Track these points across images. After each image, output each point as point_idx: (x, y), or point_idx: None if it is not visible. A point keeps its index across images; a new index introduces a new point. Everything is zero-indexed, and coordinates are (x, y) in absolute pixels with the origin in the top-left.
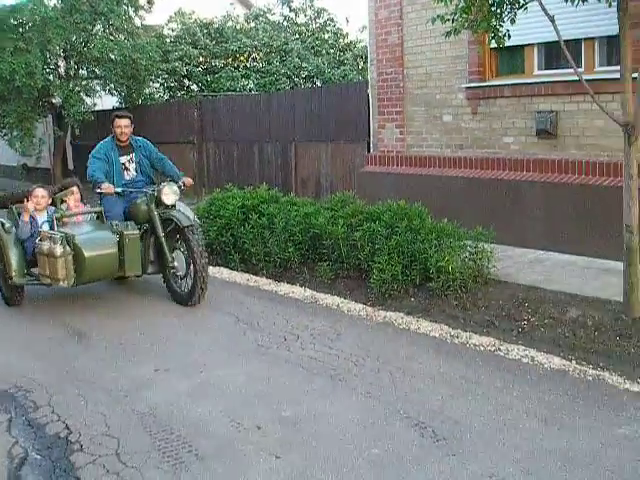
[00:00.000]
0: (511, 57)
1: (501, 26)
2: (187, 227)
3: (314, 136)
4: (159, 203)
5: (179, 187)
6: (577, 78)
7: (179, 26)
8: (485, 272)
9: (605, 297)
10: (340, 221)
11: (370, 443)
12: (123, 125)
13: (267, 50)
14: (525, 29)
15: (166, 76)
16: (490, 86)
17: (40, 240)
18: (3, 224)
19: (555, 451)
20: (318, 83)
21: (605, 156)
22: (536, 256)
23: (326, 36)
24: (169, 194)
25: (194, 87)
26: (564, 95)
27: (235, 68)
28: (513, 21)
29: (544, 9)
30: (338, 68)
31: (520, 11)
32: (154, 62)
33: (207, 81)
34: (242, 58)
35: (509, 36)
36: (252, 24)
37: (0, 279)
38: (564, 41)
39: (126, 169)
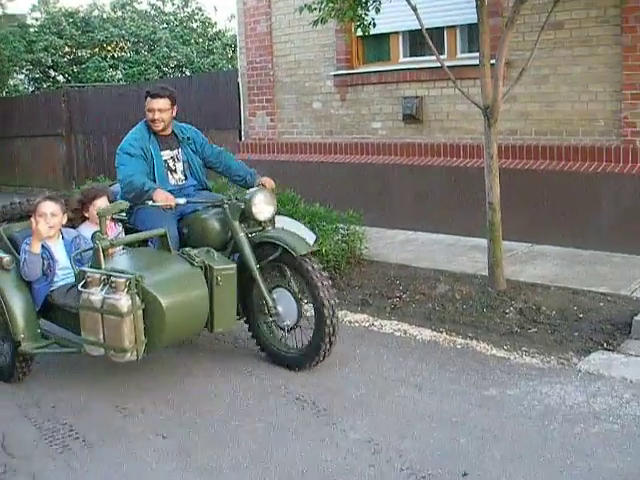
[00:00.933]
0: (377, 45)
1: (367, 15)
2: (303, 256)
3: None
4: (244, 218)
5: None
6: (440, 65)
7: (43, 15)
8: (358, 253)
9: (471, 272)
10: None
11: (253, 418)
12: (157, 108)
13: (135, 40)
14: (390, 18)
15: (31, 67)
16: (357, 73)
17: (84, 285)
18: (2, 257)
19: (428, 414)
20: (187, 72)
21: (468, 139)
22: (407, 236)
23: (195, 25)
24: (264, 205)
25: (60, 78)
26: (428, 81)
27: (102, 58)
28: (378, 10)
29: None
30: (207, 57)
31: (384, 0)
32: (18, 52)
33: (74, 72)
34: (109, 48)
35: (374, 24)
36: (119, 13)
37: None
38: (427, 29)
39: (170, 170)
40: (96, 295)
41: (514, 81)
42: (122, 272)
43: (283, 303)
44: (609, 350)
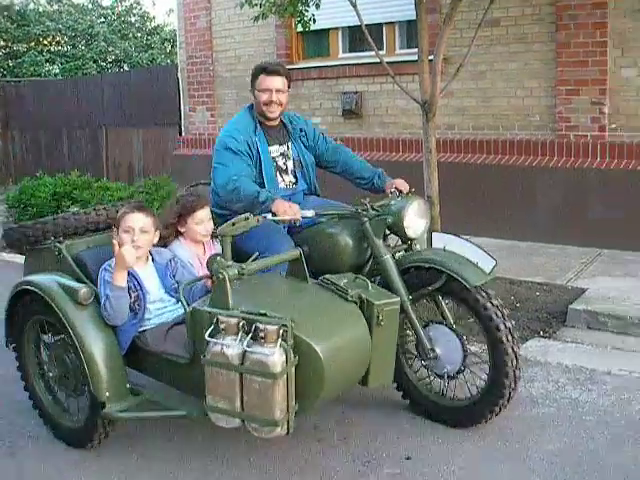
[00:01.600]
0: (317, 40)
1: (307, 11)
2: (477, 288)
3: (125, 121)
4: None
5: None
6: (379, 60)
7: None
8: None
9: None
10: (155, 204)
11: None
12: (274, 88)
13: (72, 34)
14: (330, 13)
15: None
16: (298, 69)
17: (211, 334)
18: (72, 290)
19: None
20: (126, 67)
21: (407, 133)
22: None
23: (133, 19)
24: (417, 218)
25: None
26: (367, 77)
27: (39, 52)
28: (318, 6)
29: None
30: (146, 52)
31: None
32: None
33: (9, 66)
34: (46, 42)
35: (314, 20)
36: (55, 7)
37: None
38: (366, 25)
39: (280, 171)
40: (233, 348)
41: (452, 77)
42: (265, 315)
43: (442, 344)
44: (545, 337)
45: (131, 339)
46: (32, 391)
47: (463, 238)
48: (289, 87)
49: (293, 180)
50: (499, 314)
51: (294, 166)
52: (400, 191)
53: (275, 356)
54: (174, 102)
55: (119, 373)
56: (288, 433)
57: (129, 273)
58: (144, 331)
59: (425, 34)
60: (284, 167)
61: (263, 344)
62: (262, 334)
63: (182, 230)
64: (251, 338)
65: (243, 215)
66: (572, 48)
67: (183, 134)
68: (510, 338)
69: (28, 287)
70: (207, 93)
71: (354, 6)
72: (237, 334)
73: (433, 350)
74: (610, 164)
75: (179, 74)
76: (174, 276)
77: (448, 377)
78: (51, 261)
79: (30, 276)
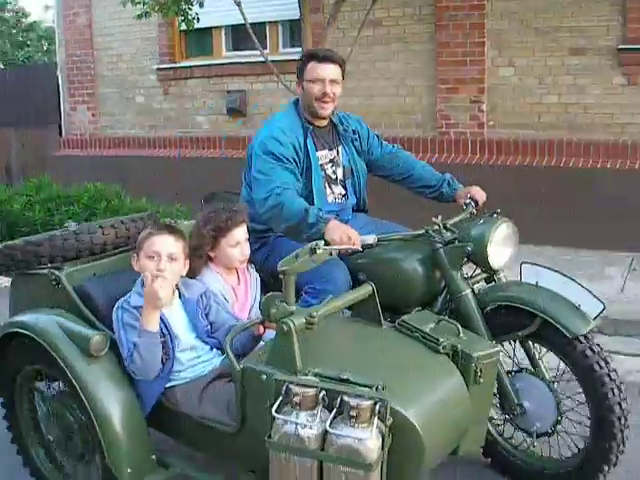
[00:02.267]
0: (201, 39)
1: (190, 9)
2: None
3: (0, 121)
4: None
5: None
6: (263, 59)
7: None
8: None
9: None
10: (37, 207)
11: None
12: (329, 78)
13: None
14: (214, 12)
15: None
16: (181, 67)
17: (279, 408)
18: (81, 336)
19: None
20: (1, 65)
21: None
22: None
23: (7, 15)
24: (503, 246)
25: None
26: (251, 75)
27: None
28: (202, 4)
29: None
30: (21, 49)
31: None
32: None
33: None
34: None
35: (198, 19)
36: None
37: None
38: (250, 24)
39: (329, 181)
40: (312, 428)
41: None
42: (352, 382)
43: (531, 397)
44: None
45: (157, 398)
46: (27, 456)
47: (562, 273)
48: (343, 78)
49: (342, 192)
50: (602, 364)
51: (344, 175)
52: (477, 202)
53: (370, 441)
54: (54, 101)
55: (143, 441)
56: None
57: (162, 319)
58: (173, 387)
59: (309, 34)
60: (333, 176)
61: (354, 424)
62: (353, 412)
63: (212, 255)
64: (335, 415)
65: (309, 246)
66: (451, 48)
67: (64, 134)
68: (617, 392)
69: (21, 330)
70: (88, 92)
71: (238, 5)
72: (314, 408)
73: (521, 405)
74: (489, 160)
75: (59, 73)
76: (207, 315)
77: (537, 435)
78: (46, 292)
79: (22, 315)
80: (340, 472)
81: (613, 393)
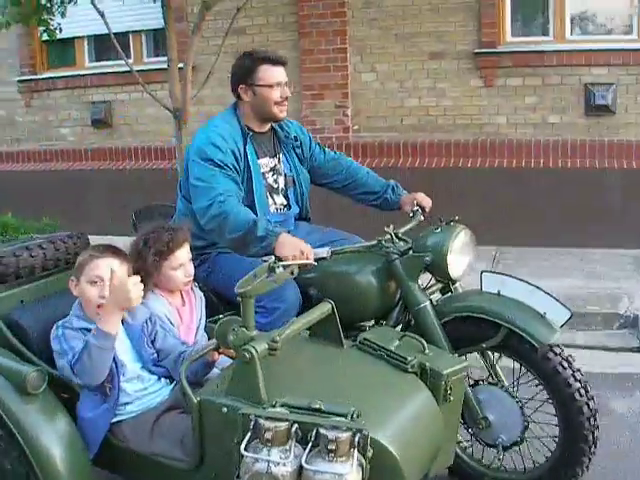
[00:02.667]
0: (63, 50)
1: (52, 19)
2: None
3: None
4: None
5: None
6: (127, 69)
7: None
8: None
9: None
10: None
11: None
12: (284, 81)
13: None
14: (76, 22)
15: None
16: (43, 79)
17: (247, 445)
18: (15, 373)
19: None
20: None
21: (159, 141)
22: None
23: None
24: (461, 255)
25: None
26: (116, 85)
27: None
28: (63, 15)
29: (94, 4)
30: None
31: (71, 5)
32: None
33: None
34: None
35: (60, 29)
36: None
37: None
38: (114, 34)
39: (270, 191)
40: (286, 465)
41: (201, 85)
42: (325, 413)
43: (494, 408)
44: None
45: (103, 435)
46: None
47: (527, 282)
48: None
49: (284, 202)
50: (566, 365)
51: (285, 184)
52: (424, 208)
53: (350, 475)
54: None
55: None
56: None
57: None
58: (120, 422)
59: (174, 43)
60: (275, 185)
61: (332, 458)
62: (331, 445)
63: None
64: (310, 449)
65: (266, 264)
66: (315, 55)
67: None
68: (584, 393)
69: None
70: None
71: (102, 16)
72: (287, 443)
73: (485, 418)
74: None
75: None
76: (153, 342)
77: (502, 449)
78: None
79: None
80: None
81: (580, 394)
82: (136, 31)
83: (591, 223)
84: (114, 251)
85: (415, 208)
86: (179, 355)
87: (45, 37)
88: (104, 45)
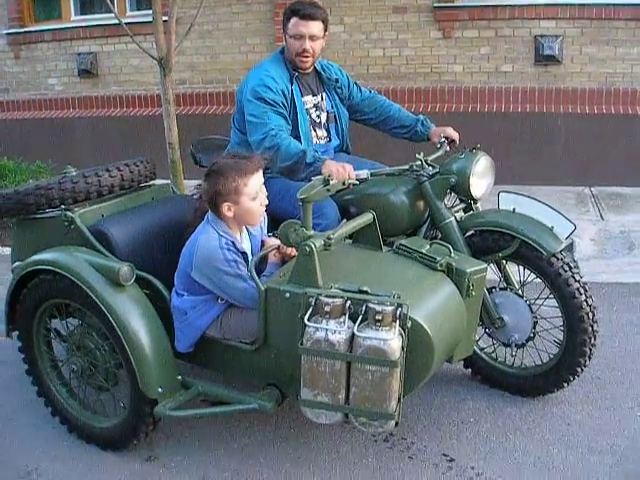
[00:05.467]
0: (48, 3)
1: None
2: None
3: None
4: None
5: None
6: (112, 22)
7: None
8: None
9: None
10: None
11: None
12: (309, 34)
13: None
14: None
15: None
16: (30, 31)
17: (309, 317)
18: (108, 268)
19: None
20: None
21: (142, 90)
22: None
23: None
24: (483, 177)
25: None
26: (101, 37)
27: None
28: None
29: None
30: None
31: None
32: None
33: None
34: None
35: None
36: None
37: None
38: None
39: (313, 125)
40: (341, 333)
41: (183, 36)
42: (369, 293)
43: (509, 311)
44: None
45: (200, 333)
46: (49, 396)
47: (536, 199)
48: (326, 32)
49: (325, 135)
50: (567, 268)
51: (327, 119)
52: (452, 140)
53: (393, 341)
54: None
55: (170, 363)
56: (397, 425)
57: (236, 246)
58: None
59: None
60: (317, 120)
61: (378, 328)
62: (378, 316)
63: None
64: (362, 322)
65: (321, 177)
66: None
67: None
68: (583, 291)
69: (45, 267)
70: None
71: None
72: (341, 317)
73: (501, 318)
74: None
75: None
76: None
77: (516, 346)
78: (56, 234)
79: (41, 254)
80: (367, 371)
81: (579, 292)
82: None
83: (537, 162)
84: (250, 166)
85: (442, 140)
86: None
87: None
88: None
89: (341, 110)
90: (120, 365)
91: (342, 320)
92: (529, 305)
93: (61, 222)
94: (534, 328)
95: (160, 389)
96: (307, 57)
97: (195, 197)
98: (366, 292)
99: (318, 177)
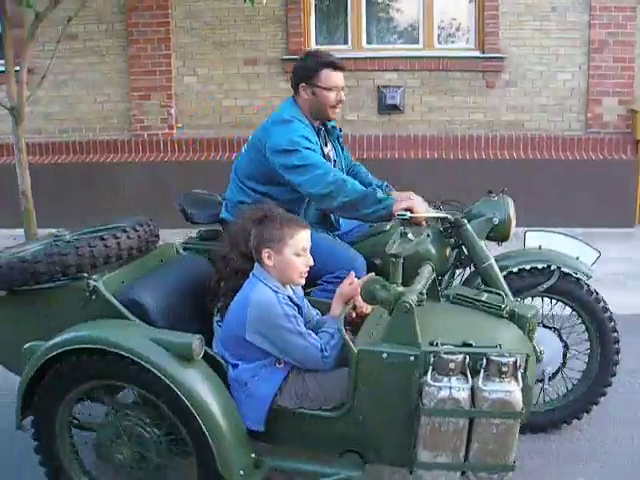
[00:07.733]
0: None
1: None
2: (578, 281)
3: None
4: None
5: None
6: None
7: None
8: None
9: None
10: None
11: None
12: (342, 85)
13: None
14: None
15: None
16: None
17: (435, 381)
18: (183, 342)
19: None
20: None
21: None
22: None
23: None
24: (514, 218)
25: None
26: None
27: None
28: None
29: None
30: None
31: None
32: None
33: None
34: None
35: None
36: None
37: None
38: None
39: None
40: (464, 389)
41: (36, 86)
42: (475, 346)
43: (543, 343)
44: None
45: (269, 406)
46: None
47: (559, 232)
48: None
49: None
50: (600, 297)
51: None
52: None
53: (517, 392)
54: None
55: (246, 442)
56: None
57: (294, 303)
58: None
59: (10, 48)
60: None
61: (503, 380)
62: (504, 368)
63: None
64: (483, 375)
65: (398, 231)
66: (142, 60)
67: None
68: (613, 318)
69: (94, 346)
70: None
71: None
72: (462, 372)
73: (542, 352)
74: (178, 157)
75: None
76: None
77: (548, 379)
78: (71, 306)
79: (76, 331)
80: (491, 424)
81: (610, 319)
82: None
83: None
84: (300, 222)
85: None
86: (317, 321)
87: None
88: None
89: (343, 158)
90: (179, 453)
91: (463, 376)
92: (559, 335)
93: (80, 291)
94: (565, 357)
95: (242, 472)
96: (337, 110)
97: (221, 253)
98: (470, 345)
99: (394, 233)
